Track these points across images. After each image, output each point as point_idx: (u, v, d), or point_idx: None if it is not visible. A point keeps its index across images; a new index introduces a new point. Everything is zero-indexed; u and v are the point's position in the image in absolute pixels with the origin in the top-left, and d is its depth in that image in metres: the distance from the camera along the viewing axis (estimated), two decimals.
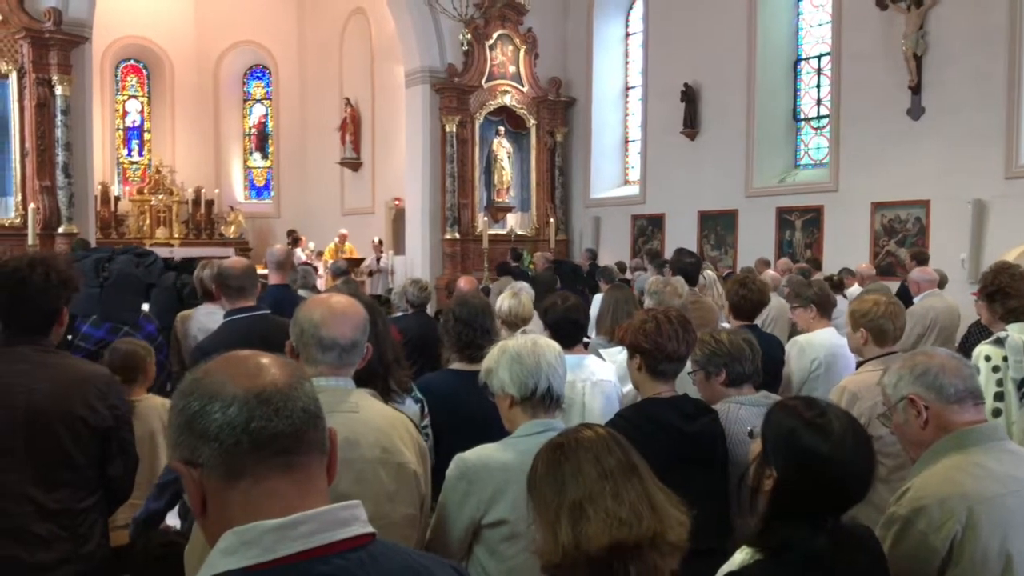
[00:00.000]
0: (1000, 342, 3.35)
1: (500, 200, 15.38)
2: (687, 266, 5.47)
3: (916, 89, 10.77)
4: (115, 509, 2.80)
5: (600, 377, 3.49)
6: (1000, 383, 3.26)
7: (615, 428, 2.51)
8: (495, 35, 14.80)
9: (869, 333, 3.36)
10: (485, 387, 2.43)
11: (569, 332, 3.55)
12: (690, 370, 2.88)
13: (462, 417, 3.00)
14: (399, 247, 16.07)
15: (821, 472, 1.73)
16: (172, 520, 3.33)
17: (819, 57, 12.72)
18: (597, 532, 1.51)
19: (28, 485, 2.42)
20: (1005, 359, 3.29)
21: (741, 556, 1.75)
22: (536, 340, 2.43)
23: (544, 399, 2.33)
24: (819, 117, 12.81)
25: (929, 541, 1.91)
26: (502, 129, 15.29)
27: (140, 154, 19.54)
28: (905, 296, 7.86)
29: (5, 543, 2.38)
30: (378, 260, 15.41)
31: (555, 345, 2.45)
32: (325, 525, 1.07)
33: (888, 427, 2.24)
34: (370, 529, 1.13)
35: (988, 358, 3.34)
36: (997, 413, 3.21)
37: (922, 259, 8.74)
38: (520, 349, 2.36)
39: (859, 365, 3.60)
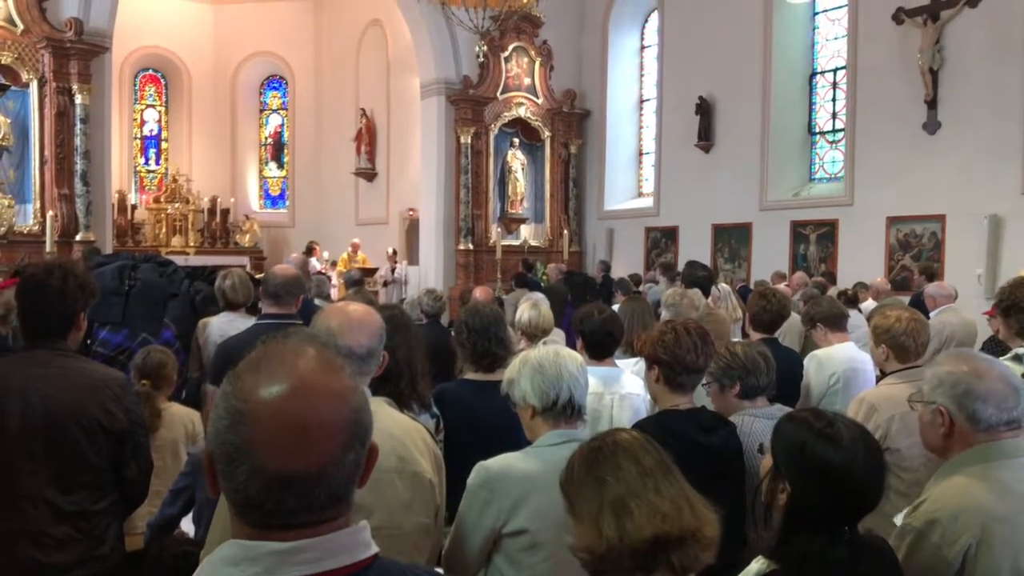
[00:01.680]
0: (1019, 358, 3.32)
1: (514, 211, 15.41)
2: (700, 279, 5.46)
3: (932, 103, 10.74)
4: (130, 512, 2.82)
5: (629, 390, 3.49)
6: None
7: None
8: (510, 47, 14.87)
9: (890, 349, 3.34)
10: (507, 397, 2.44)
11: (604, 343, 3.56)
12: (704, 382, 2.88)
13: (476, 426, 3.01)
14: (413, 257, 16.12)
15: (835, 482, 1.73)
16: (187, 525, 3.34)
17: (835, 71, 12.71)
18: (641, 525, 1.53)
19: (45, 487, 2.45)
20: (1023, 376, 3.25)
21: (757, 566, 1.75)
22: (558, 351, 2.43)
23: (565, 409, 2.34)
24: (834, 131, 12.79)
25: (943, 554, 1.90)
26: (516, 140, 15.34)
27: (157, 163, 19.71)
28: (920, 311, 7.81)
29: (23, 544, 2.41)
30: (392, 270, 15.46)
31: (576, 356, 2.45)
32: (328, 553, 1.07)
33: (914, 409, 2.21)
34: (373, 550, 1.14)
35: None
36: None
37: (931, 274, 8.70)
38: (542, 360, 2.36)
39: (879, 378, 3.57)
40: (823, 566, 1.68)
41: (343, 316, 2.20)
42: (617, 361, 3.69)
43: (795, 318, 7.34)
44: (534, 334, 4.17)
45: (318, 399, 1.07)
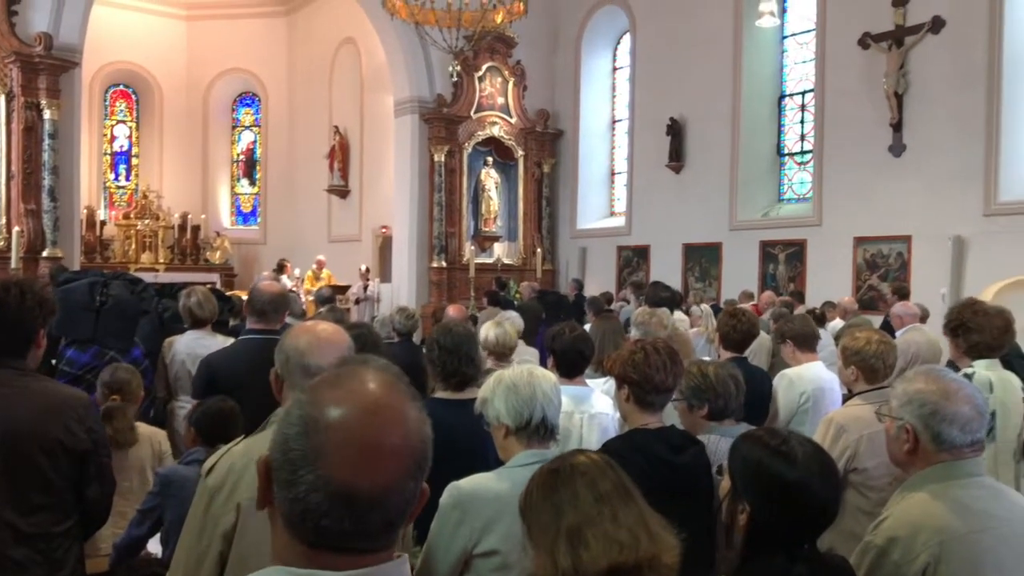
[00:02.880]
0: (968, 378, 3.39)
1: (487, 229, 15.46)
2: (663, 300, 5.52)
3: (897, 126, 10.95)
4: (91, 533, 2.77)
5: (598, 410, 3.50)
6: None
7: None
8: (484, 67, 14.96)
9: (860, 371, 3.38)
10: (480, 417, 2.44)
11: (575, 362, 3.57)
12: (674, 397, 2.91)
13: (447, 446, 2.97)
14: (385, 275, 16.08)
15: (791, 498, 1.75)
16: (154, 547, 3.30)
17: (803, 93, 12.93)
18: (596, 556, 1.51)
19: (5, 509, 2.40)
20: None
21: None
22: (532, 370, 2.44)
23: (539, 429, 2.34)
24: (803, 152, 12.99)
25: (902, 572, 1.93)
26: (490, 159, 15.41)
27: (127, 179, 19.54)
28: (887, 330, 7.92)
29: None
30: (365, 288, 15.40)
31: (550, 375, 2.46)
32: None
33: (882, 420, 2.24)
34: None
35: None
36: None
37: (903, 294, 8.84)
38: (516, 379, 2.37)
39: (847, 398, 3.62)
40: None
41: (312, 335, 2.20)
42: (588, 380, 3.71)
43: (764, 337, 7.44)
44: (501, 352, 4.18)
45: (394, 422, 1.08)
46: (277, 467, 1.06)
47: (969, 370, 3.46)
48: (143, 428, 3.73)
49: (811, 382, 4.36)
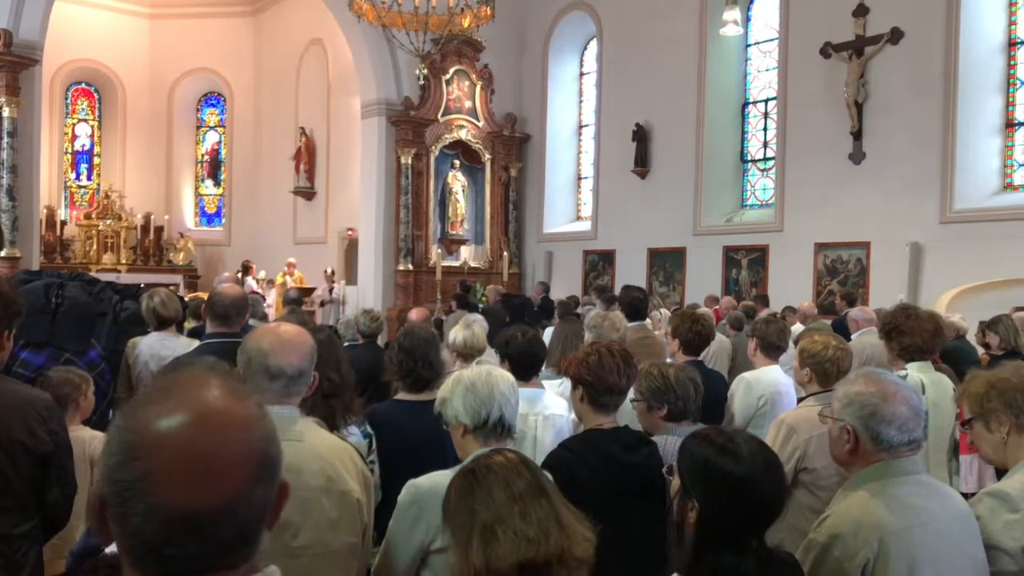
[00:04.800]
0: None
1: (454, 232, 15.48)
2: (635, 300, 5.60)
3: (858, 135, 11.18)
4: (51, 536, 2.76)
5: (552, 411, 3.55)
6: None
7: (559, 458, 2.60)
8: (452, 70, 14.99)
9: (814, 373, 3.47)
10: (439, 416, 2.48)
11: (529, 364, 3.62)
12: (633, 398, 2.96)
13: (407, 446, 3.04)
14: (351, 277, 16.02)
15: (738, 493, 1.81)
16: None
17: (766, 101, 13.14)
18: (506, 552, 1.57)
19: None
20: None
21: None
22: (490, 371, 2.48)
23: (496, 428, 2.38)
24: (765, 159, 13.19)
25: (844, 568, 2.01)
26: (457, 163, 15.44)
27: (89, 178, 19.27)
28: (843, 332, 8.10)
29: None
30: (330, 290, 15.34)
31: (508, 376, 2.50)
32: None
33: (824, 422, 2.32)
34: None
35: None
36: None
37: (852, 300, 9.04)
38: (474, 379, 2.41)
39: (800, 399, 3.71)
40: None
41: (274, 337, 2.22)
42: (546, 381, 3.76)
43: (724, 341, 7.57)
44: (468, 354, 4.22)
45: (223, 428, 0.97)
46: (108, 502, 0.95)
47: (902, 372, 3.57)
48: (85, 432, 3.61)
49: (769, 386, 4.45)
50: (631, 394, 2.95)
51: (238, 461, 0.96)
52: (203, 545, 0.94)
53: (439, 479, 2.32)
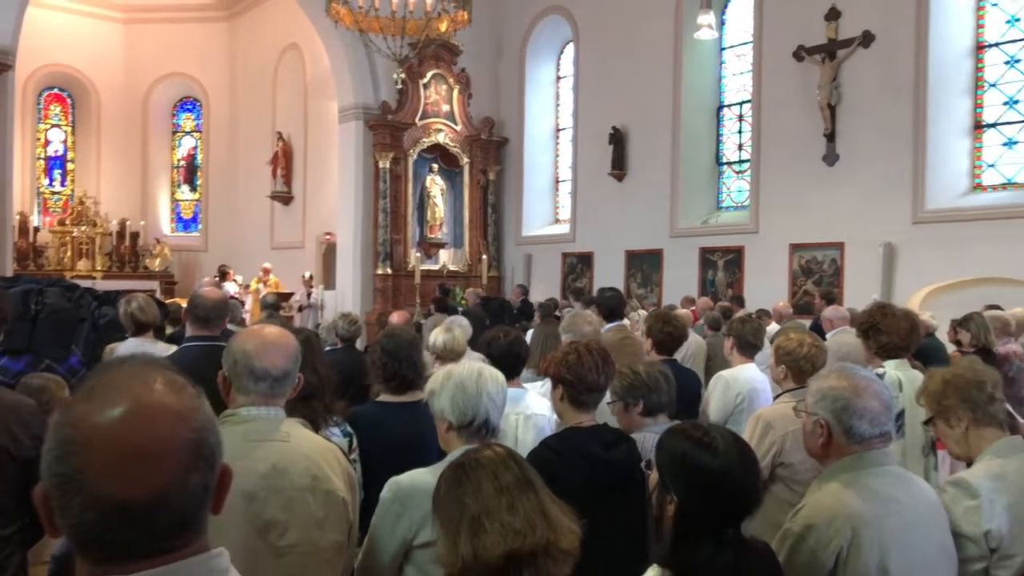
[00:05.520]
0: (879, 378, 3.57)
1: (433, 236, 15.49)
2: (609, 299, 5.69)
3: (831, 137, 11.33)
4: (35, 541, 2.76)
5: (534, 411, 3.60)
6: None
7: (540, 456, 2.64)
8: (429, 74, 15.02)
9: (789, 370, 3.55)
10: (422, 416, 2.50)
11: (512, 364, 3.66)
12: (609, 400, 3.01)
13: (389, 447, 3.07)
14: (329, 282, 15.99)
15: (714, 486, 1.87)
16: None
17: (741, 104, 13.27)
18: (493, 543, 1.62)
19: None
20: None
21: (652, 574, 1.86)
22: (481, 370, 2.49)
23: (480, 430, 2.42)
24: (740, 161, 13.33)
25: (818, 556, 2.07)
26: (436, 166, 15.46)
27: (63, 184, 19.10)
28: (818, 332, 8.20)
29: None
30: (308, 295, 15.30)
31: (499, 376, 2.52)
32: None
33: (799, 416, 2.39)
34: None
35: None
36: None
37: (831, 299, 9.15)
38: (464, 379, 2.43)
39: (777, 396, 3.78)
40: (711, 569, 1.82)
41: (259, 339, 2.26)
42: (527, 383, 3.80)
43: (700, 341, 7.66)
44: (448, 357, 4.25)
45: (153, 420, 1.01)
46: (50, 495, 1.01)
47: (880, 370, 3.65)
48: None
49: (746, 383, 4.53)
50: (608, 396, 3.00)
51: (169, 452, 1.01)
52: (141, 532, 0.99)
53: (420, 476, 2.36)
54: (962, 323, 6.90)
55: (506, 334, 3.70)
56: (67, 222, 17.61)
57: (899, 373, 3.74)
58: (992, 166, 10.63)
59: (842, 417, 2.18)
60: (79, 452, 0.98)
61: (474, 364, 2.59)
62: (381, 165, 14.59)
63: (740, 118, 13.32)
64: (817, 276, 11.63)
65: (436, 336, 4.44)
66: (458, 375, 2.45)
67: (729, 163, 13.59)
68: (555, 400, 2.84)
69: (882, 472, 2.18)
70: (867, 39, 10.96)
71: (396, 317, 6.20)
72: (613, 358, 2.92)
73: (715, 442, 1.92)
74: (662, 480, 1.96)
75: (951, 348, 7.76)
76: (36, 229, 17.43)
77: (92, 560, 1.01)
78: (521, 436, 3.46)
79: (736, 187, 13.46)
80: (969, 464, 2.50)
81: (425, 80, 14.98)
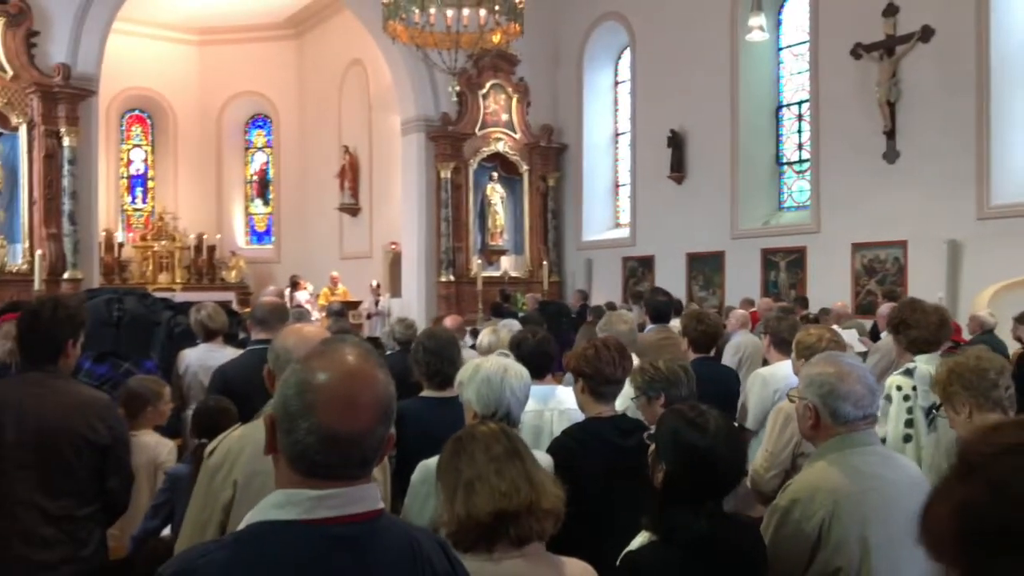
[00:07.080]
0: (910, 373, 3.62)
1: (494, 243, 15.77)
2: (659, 304, 5.78)
3: (891, 134, 11.18)
4: (113, 520, 3.10)
5: (568, 406, 3.78)
6: (910, 411, 3.51)
7: (562, 444, 2.84)
8: (488, 84, 15.33)
9: None
10: (460, 410, 2.73)
11: (541, 363, 3.85)
12: (633, 396, 3.18)
13: (431, 440, 3.26)
14: (396, 290, 16.42)
15: (699, 462, 2.07)
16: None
17: (799, 103, 13.19)
18: (483, 502, 1.86)
19: (35, 493, 2.76)
20: (914, 388, 3.55)
21: (640, 539, 2.06)
22: (507, 367, 2.72)
23: (503, 420, 2.63)
24: (801, 161, 13.23)
25: (802, 528, 2.23)
26: (495, 175, 15.74)
27: (144, 201, 20.05)
28: (875, 332, 8.17)
29: (15, 543, 2.73)
30: (376, 303, 15.74)
31: (523, 372, 2.74)
32: (350, 501, 1.38)
33: (793, 402, 2.54)
34: (381, 506, 1.44)
35: (899, 388, 3.59)
36: (908, 439, 3.47)
37: (893, 298, 9.04)
38: (490, 374, 2.66)
39: None
40: (689, 534, 2.02)
41: (298, 335, 2.52)
42: (569, 384, 3.98)
43: (756, 342, 7.68)
44: None
45: (366, 383, 1.40)
46: (280, 420, 1.38)
47: (911, 364, 3.70)
48: (148, 437, 3.93)
49: (782, 379, 4.60)
50: (631, 392, 3.18)
51: (371, 406, 1.40)
52: (340, 458, 1.36)
53: None
54: (1022, 319, 6.80)
55: (534, 334, 3.90)
56: (148, 237, 18.50)
57: (930, 367, 3.78)
58: None
59: (828, 401, 2.32)
60: (313, 392, 1.36)
61: (501, 360, 2.80)
62: (443, 175, 14.94)
63: (799, 117, 13.23)
64: (880, 275, 11.48)
65: (483, 337, 4.68)
66: (485, 370, 2.67)
67: (789, 163, 13.50)
68: (576, 392, 3.03)
69: (866, 451, 2.32)
70: (926, 34, 10.79)
71: (449, 321, 6.46)
72: (652, 355, 3.09)
73: (707, 423, 2.11)
74: (657, 451, 2.16)
75: (1015, 346, 7.62)
76: (120, 245, 18.35)
77: (301, 473, 1.37)
78: (556, 431, 3.64)
79: (797, 187, 13.36)
80: None
81: (484, 90, 15.30)
